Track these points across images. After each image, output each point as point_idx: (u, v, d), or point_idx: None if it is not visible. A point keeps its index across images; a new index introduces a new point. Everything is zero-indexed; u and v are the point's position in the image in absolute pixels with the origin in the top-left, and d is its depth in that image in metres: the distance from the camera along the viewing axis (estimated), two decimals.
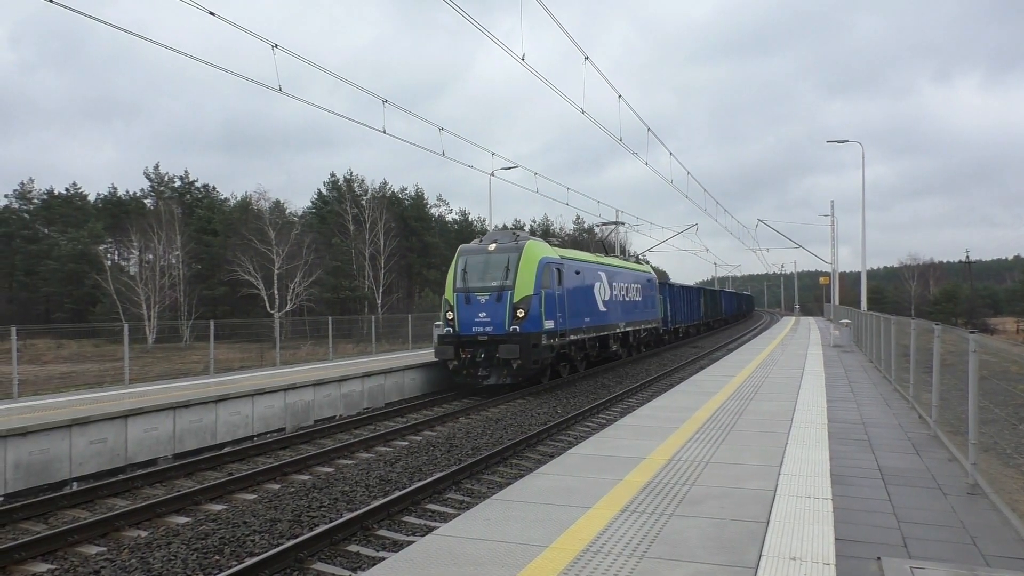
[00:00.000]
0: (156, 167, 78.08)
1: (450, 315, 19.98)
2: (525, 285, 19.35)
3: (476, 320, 19.57)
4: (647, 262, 36.96)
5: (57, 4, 10.79)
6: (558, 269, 20.93)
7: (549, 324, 19.84)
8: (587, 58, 19.16)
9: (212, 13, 12.22)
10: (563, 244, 32.70)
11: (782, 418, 10.16)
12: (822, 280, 71.41)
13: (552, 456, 11.78)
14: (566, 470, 7.25)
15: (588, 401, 18.75)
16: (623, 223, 36.00)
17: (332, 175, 78.36)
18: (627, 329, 28.21)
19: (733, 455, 7.82)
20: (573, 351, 22.55)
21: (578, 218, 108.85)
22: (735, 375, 16.21)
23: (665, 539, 5.07)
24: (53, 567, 7.28)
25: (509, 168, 36.59)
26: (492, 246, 20.38)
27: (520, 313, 19.09)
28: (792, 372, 16.76)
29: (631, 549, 4.86)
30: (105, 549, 7.76)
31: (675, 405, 11.65)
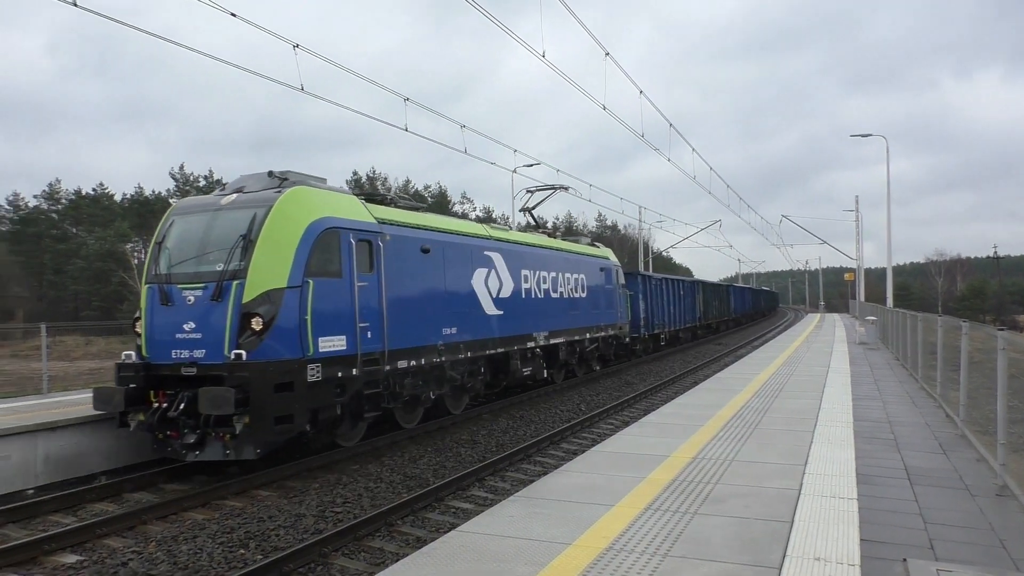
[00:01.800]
0: (181, 167, 78.90)
1: (138, 327, 10.89)
2: (269, 271, 10.28)
3: (179, 337, 10.38)
4: (598, 246, 25.35)
5: (92, 12, 10.92)
6: (367, 243, 11.84)
7: (332, 343, 10.83)
8: (607, 54, 19.09)
9: (233, 14, 12.33)
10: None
11: (807, 416, 10.08)
12: (847, 276, 70.76)
13: (576, 453, 11.78)
14: (590, 467, 7.24)
15: (612, 398, 18.72)
16: (564, 187, 24.55)
17: (355, 173, 78.83)
18: (557, 340, 19.03)
19: (758, 453, 7.77)
20: (408, 385, 12.96)
21: (600, 215, 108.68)
22: (760, 372, 16.10)
23: (689, 538, 5.05)
24: (82, 558, 7.40)
25: (531, 165, 36.68)
26: (230, 198, 11.16)
27: (256, 324, 10.02)
28: (817, 370, 16.61)
29: (654, 547, 4.85)
30: (132, 542, 7.87)
31: (699, 402, 11.59)
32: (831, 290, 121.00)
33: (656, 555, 4.70)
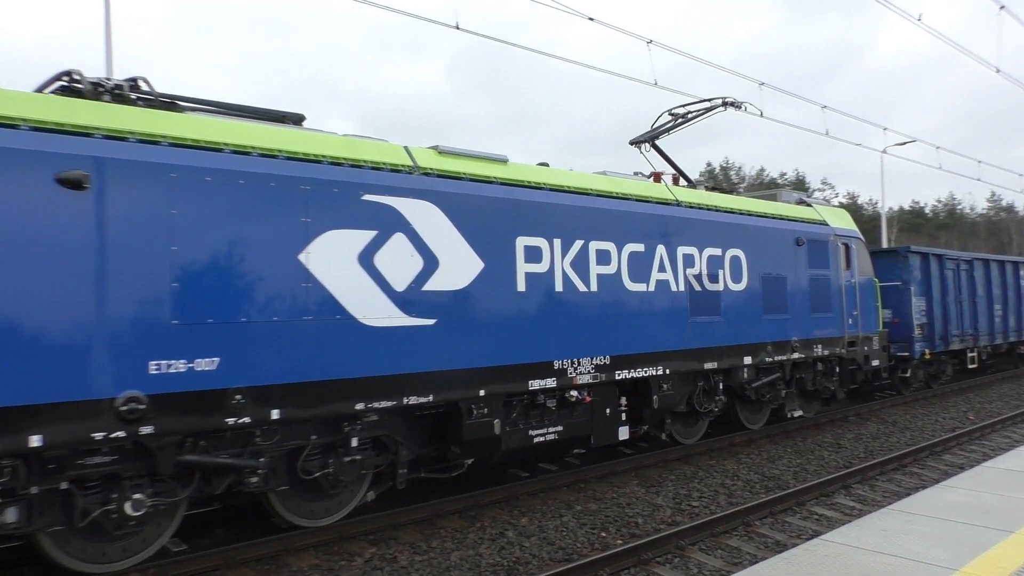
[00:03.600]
0: None
1: None
2: None
3: None
4: (808, 203, 14.58)
5: (471, 33, 12.31)
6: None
7: None
8: (1002, 7, 16.48)
9: (591, 18, 12.99)
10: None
11: None
12: None
13: (962, 468, 10.43)
14: (980, 485, 6.37)
15: (1007, 407, 16.16)
16: (733, 102, 13.45)
17: (708, 164, 78.03)
18: (645, 372, 10.07)
19: None
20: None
21: (993, 194, 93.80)
22: None
23: None
24: (468, 524, 8.35)
25: (904, 143, 32.98)
26: None
27: None
28: None
29: None
30: (508, 515, 8.70)
31: None
32: None
33: None
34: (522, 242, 8.89)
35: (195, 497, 6.95)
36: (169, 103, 7.01)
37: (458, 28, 11.99)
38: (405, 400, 7.70)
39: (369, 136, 8.32)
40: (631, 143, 13.33)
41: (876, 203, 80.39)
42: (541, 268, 9.04)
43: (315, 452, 7.41)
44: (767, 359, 12.02)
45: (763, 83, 17.86)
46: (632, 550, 7.14)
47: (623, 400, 10.09)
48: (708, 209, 11.51)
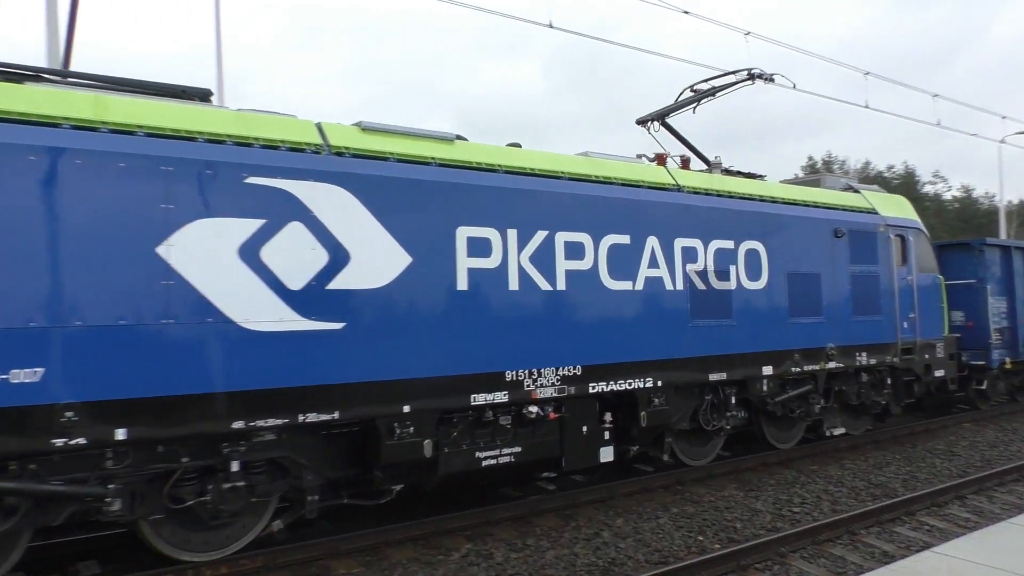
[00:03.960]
0: None
1: None
2: None
3: None
4: (855, 189, 12.78)
5: (566, 31, 12.33)
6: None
7: None
8: None
9: (686, 12, 12.83)
10: None
11: None
12: None
13: None
14: None
15: None
16: (761, 74, 11.93)
17: (810, 158, 75.35)
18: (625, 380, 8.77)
19: None
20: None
21: None
22: None
23: None
24: (563, 523, 8.38)
25: None
26: None
27: None
28: None
29: None
30: (603, 516, 8.68)
31: None
32: None
33: None
34: (465, 233, 7.68)
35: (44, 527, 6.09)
36: (16, 75, 6.24)
37: (551, 27, 12.03)
38: (301, 417, 6.58)
39: (276, 112, 7.34)
40: (637, 122, 12.10)
41: (994, 196, 75.66)
42: (489, 263, 7.82)
43: (190, 477, 6.45)
44: (794, 369, 10.50)
45: (868, 72, 17.15)
46: (730, 555, 7.02)
47: (607, 416, 8.85)
48: (718, 195, 10.08)
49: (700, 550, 7.44)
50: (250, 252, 6.47)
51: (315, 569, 6.99)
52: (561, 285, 8.27)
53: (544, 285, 8.16)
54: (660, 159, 10.63)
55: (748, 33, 14.05)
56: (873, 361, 11.59)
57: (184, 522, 6.59)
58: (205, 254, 6.27)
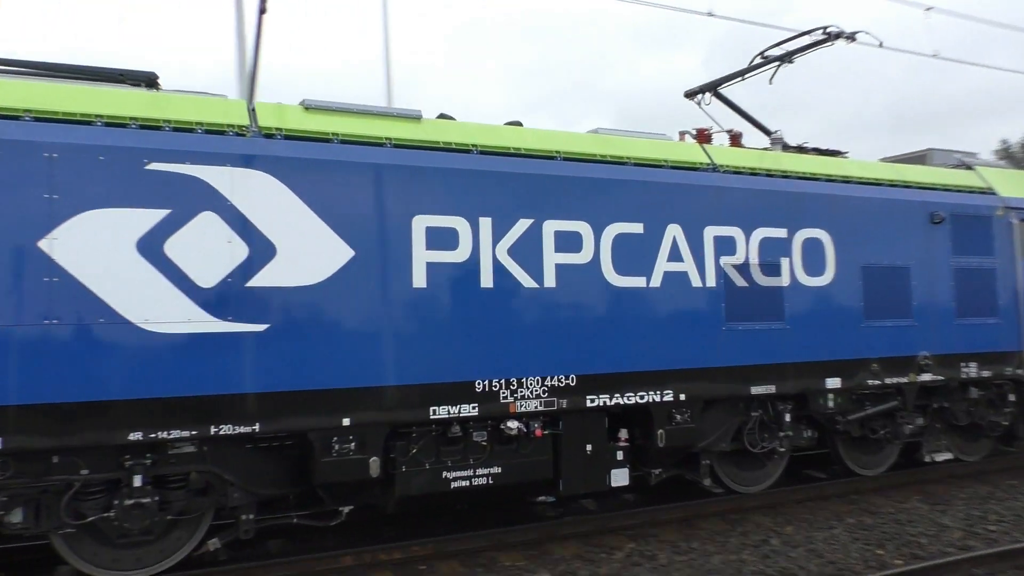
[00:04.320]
0: None
1: None
2: None
3: None
4: (971, 167, 10.62)
5: (721, 17, 11.99)
6: None
7: None
8: None
9: None
10: None
11: None
12: None
13: None
14: None
15: None
16: (841, 33, 9.93)
17: (1003, 142, 68.62)
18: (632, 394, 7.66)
19: None
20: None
21: None
22: None
23: None
24: (729, 528, 8.15)
25: None
26: None
27: None
28: None
29: None
30: (772, 522, 8.36)
31: None
32: None
33: None
34: (423, 222, 6.79)
35: None
36: None
37: (711, 15, 11.69)
38: (214, 430, 5.95)
39: (207, 92, 6.77)
40: (686, 95, 10.77)
41: None
42: (455, 257, 6.88)
43: (93, 491, 5.96)
44: (871, 382, 8.91)
45: None
46: (915, 572, 6.57)
47: (622, 434, 7.77)
48: (768, 175, 8.66)
49: (880, 565, 7.00)
50: (151, 246, 5.88)
51: (482, 559, 7.21)
52: (550, 282, 7.26)
53: (527, 282, 7.17)
54: (701, 135, 9.41)
55: (929, 8, 12.99)
56: (986, 373, 9.72)
57: (103, 538, 6.12)
58: (96, 248, 5.71)
